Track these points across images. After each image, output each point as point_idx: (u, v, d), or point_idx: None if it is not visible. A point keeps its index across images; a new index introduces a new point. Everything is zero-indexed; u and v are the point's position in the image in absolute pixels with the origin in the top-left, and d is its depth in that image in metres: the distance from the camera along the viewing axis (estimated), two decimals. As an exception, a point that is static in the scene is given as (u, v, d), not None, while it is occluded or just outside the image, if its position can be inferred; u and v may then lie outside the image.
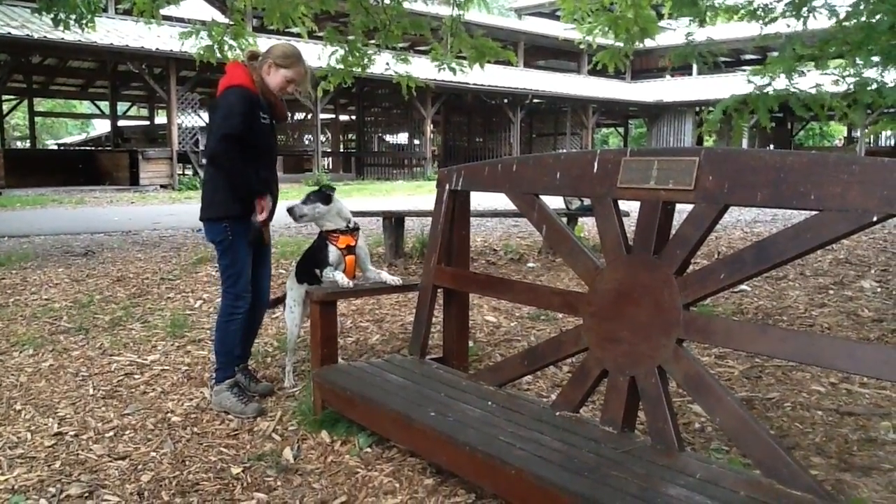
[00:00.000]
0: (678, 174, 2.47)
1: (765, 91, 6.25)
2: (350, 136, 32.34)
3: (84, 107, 34.45)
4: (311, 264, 3.83)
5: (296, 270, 3.95)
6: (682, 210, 2.39)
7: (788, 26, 6.79)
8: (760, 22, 6.92)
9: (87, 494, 2.79)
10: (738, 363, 4.08)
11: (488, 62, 8.75)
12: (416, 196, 17.30)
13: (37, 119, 29.26)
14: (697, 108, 29.85)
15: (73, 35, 13.26)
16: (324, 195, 3.71)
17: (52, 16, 8.03)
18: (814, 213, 2.15)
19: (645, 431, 2.56)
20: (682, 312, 2.41)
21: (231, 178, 3.45)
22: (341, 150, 31.54)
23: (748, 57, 30.02)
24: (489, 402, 2.86)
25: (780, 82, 6.31)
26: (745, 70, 13.51)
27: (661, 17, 8.96)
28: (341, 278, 3.59)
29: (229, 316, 3.57)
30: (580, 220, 8.10)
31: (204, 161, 4.05)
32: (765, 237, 2.34)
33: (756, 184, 2.27)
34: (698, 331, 2.42)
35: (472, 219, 3.77)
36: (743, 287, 5.74)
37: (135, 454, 3.13)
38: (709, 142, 24.40)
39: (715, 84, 25.82)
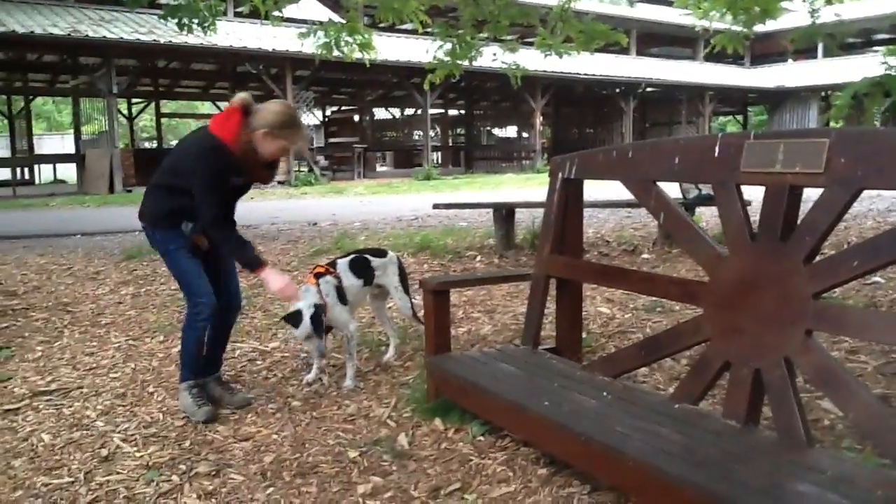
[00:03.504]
0: (807, 157, 2.34)
1: (901, 71, 5.87)
2: (459, 130, 32.56)
3: (206, 107, 36.05)
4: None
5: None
6: (808, 199, 2.26)
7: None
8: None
9: (214, 473, 2.92)
10: (872, 358, 3.83)
11: (598, 50, 8.57)
12: (525, 189, 17.20)
13: (163, 120, 30.86)
14: (823, 94, 28.31)
15: (195, 39, 13.96)
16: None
17: (176, 21, 8.46)
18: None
19: (770, 426, 2.45)
20: (811, 302, 2.28)
21: (228, 250, 3.44)
22: (450, 145, 31.78)
23: (881, 37, 28.15)
24: (604, 393, 2.81)
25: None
26: (876, 51, 12.71)
27: (783, -4, 8.54)
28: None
29: (191, 322, 3.44)
30: (697, 209, 7.85)
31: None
32: (904, 222, 2.19)
33: (895, 166, 2.13)
34: (829, 321, 2.29)
35: (583, 209, 3.70)
36: (876, 278, 5.41)
37: (257, 436, 3.25)
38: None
39: (843, 67, 24.33)
